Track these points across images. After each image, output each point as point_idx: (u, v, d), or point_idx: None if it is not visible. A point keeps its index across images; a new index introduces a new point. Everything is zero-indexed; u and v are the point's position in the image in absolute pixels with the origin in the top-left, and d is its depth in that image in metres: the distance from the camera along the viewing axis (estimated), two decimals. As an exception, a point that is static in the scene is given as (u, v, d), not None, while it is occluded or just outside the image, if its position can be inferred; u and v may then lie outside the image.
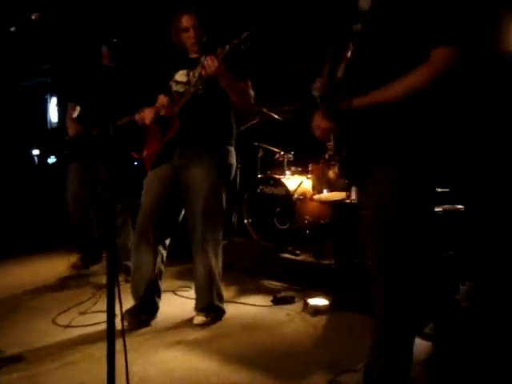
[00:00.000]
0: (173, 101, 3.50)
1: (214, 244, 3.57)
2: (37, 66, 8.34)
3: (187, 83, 3.48)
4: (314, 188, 5.44)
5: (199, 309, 3.61)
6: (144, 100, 3.72)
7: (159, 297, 3.68)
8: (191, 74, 3.43)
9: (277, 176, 5.52)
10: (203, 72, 3.31)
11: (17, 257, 5.62)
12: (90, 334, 3.41)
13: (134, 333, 3.43)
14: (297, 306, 3.97)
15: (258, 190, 5.59)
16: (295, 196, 5.23)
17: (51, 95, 9.20)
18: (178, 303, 4.02)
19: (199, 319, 3.57)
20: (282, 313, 3.84)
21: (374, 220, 2.16)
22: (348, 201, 4.05)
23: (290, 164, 5.72)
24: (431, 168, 2.07)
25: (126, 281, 4.46)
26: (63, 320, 3.66)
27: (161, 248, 3.61)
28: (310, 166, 5.55)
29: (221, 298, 3.68)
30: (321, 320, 3.64)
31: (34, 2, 5.02)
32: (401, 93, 1.87)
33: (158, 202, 3.54)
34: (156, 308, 3.66)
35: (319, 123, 2.18)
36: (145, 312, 3.59)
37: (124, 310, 3.18)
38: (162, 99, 3.55)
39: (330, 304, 3.82)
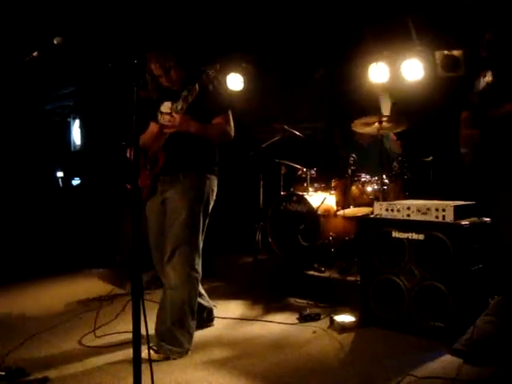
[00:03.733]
0: (157, 137, 3.52)
1: (182, 270, 3.38)
2: (60, 89, 8.45)
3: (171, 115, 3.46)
4: (337, 204, 5.41)
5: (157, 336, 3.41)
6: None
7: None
8: (174, 106, 3.39)
9: (300, 193, 5.50)
10: (165, 130, 3.39)
11: (39, 278, 5.64)
12: (115, 353, 3.40)
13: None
14: (323, 323, 3.93)
15: (282, 208, 5.57)
16: (319, 212, 5.21)
17: (74, 118, 9.30)
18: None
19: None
20: (309, 330, 3.80)
21: None
22: (372, 216, 4.00)
23: (313, 180, 5.70)
24: None
25: None
26: (89, 341, 3.66)
27: None
28: (332, 181, 5.53)
29: (182, 327, 3.39)
30: (347, 337, 3.60)
31: (55, 26, 5.11)
32: None
33: (160, 234, 3.52)
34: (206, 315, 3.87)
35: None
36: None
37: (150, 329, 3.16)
38: (153, 127, 3.62)
39: (357, 321, 3.78)
